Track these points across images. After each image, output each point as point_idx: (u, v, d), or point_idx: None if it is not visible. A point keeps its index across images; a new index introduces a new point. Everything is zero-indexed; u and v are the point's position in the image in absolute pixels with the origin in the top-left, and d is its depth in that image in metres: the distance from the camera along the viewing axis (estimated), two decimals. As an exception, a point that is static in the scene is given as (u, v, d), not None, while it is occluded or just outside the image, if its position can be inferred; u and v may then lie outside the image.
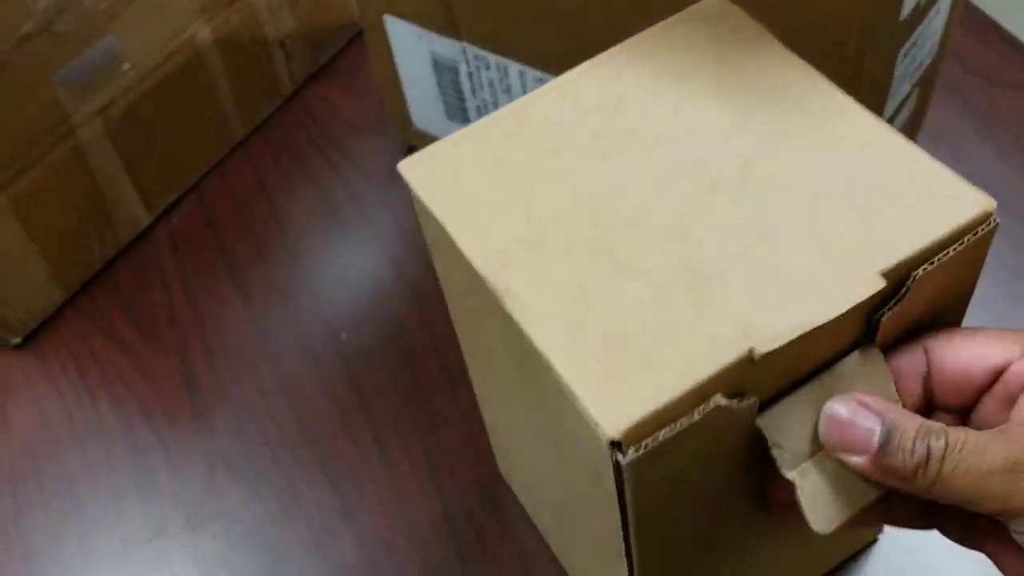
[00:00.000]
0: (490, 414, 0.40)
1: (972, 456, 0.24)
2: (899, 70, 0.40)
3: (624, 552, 0.28)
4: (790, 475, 0.26)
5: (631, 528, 0.26)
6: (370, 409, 0.50)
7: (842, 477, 0.26)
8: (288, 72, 0.63)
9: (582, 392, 0.23)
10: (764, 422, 0.25)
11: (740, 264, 0.25)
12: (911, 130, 0.48)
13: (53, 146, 0.51)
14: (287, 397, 0.50)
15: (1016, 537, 0.24)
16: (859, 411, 0.25)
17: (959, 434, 0.24)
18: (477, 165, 0.29)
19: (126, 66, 0.52)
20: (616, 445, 0.23)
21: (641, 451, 0.23)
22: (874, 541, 0.43)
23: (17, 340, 0.54)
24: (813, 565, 0.41)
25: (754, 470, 0.27)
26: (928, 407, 0.28)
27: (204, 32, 0.56)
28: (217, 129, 0.60)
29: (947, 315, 0.28)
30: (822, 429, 0.26)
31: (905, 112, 0.45)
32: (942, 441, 0.24)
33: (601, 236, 0.26)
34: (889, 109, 0.42)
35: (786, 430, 0.26)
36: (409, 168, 0.29)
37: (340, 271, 0.56)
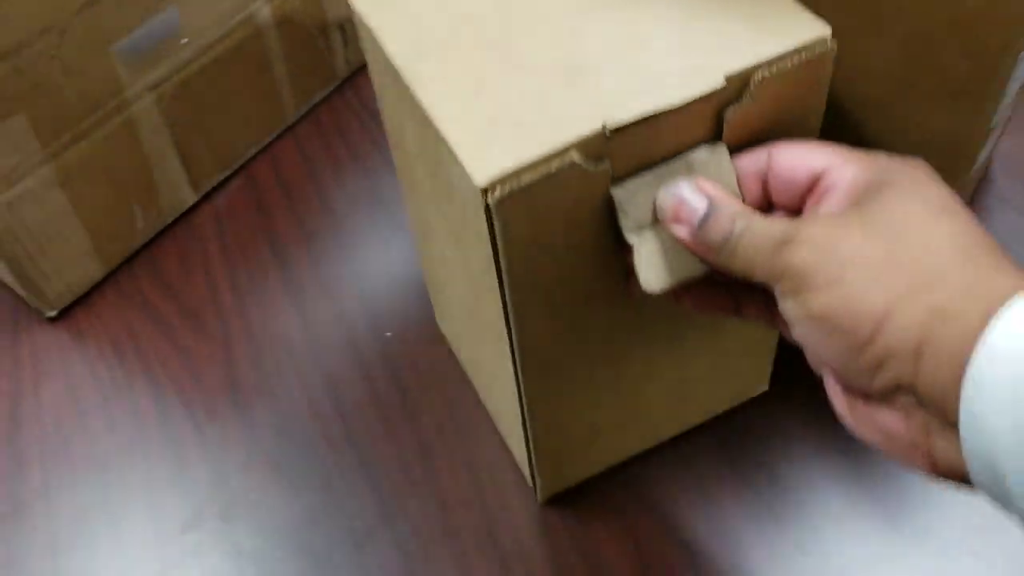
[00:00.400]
0: (424, 253, 0.45)
1: (759, 233, 0.27)
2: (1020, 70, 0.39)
3: (503, 319, 0.32)
4: (631, 239, 0.30)
5: (505, 279, 0.31)
6: (414, 411, 0.48)
7: (674, 248, 0.30)
8: (344, 57, 0.61)
9: (463, 152, 0.28)
10: (616, 191, 0.30)
11: (612, 63, 0.30)
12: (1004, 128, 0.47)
13: (106, 119, 0.49)
14: (330, 393, 0.49)
15: (779, 300, 0.27)
16: (695, 192, 0.29)
17: (758, 218, 0.28)
18: None
19: (184, 40, 0.51)
20: (485, 192, 0.28)
21: (505, 192, 0.27)
22: (765, 395, 0.46)
23: (53, 313, 0.53)
24: (694, 402, 0.44)
25: (614, 249, 0.32)
26: (768, 207, 0.31)
27: (265, 11, 0.54)
28: (269, 110, 0.58)
29: (795, 134, 0.32)
30: (660, 202, 0.30)
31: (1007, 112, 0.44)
32: (744, 222, 0.28)
33: (503, 39, 0.32)
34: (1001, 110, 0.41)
35: (633, 200, 0.30)
36: None
37: (388, 267, 0.54)
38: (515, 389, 0.36)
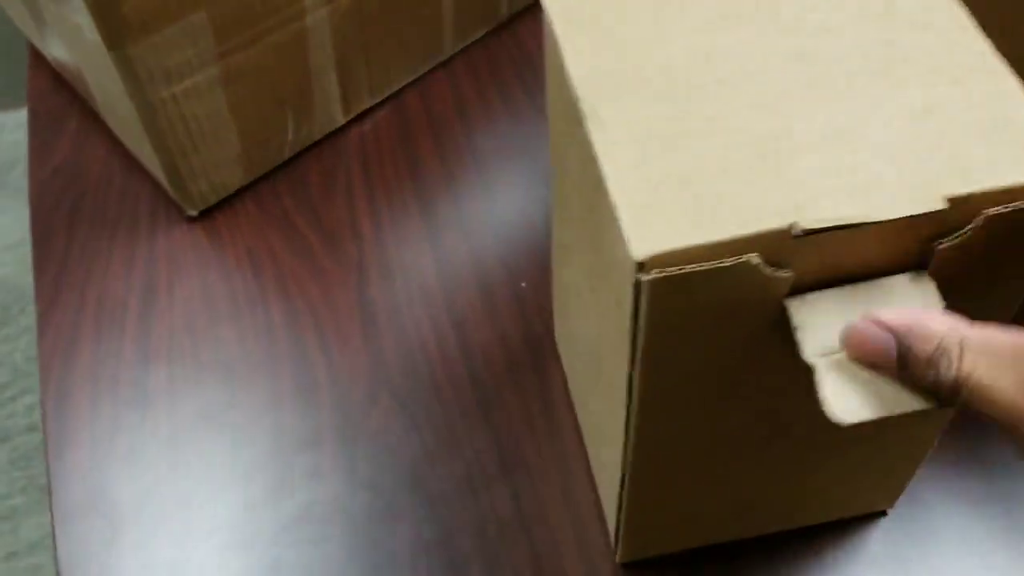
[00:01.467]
0: (556, 260, 0.42)
1: (987, 386, 0.23)
2: None
3: (627, 392, 0.29)
4: (813, 361, 0.26)
5: (638, 362, 0.27)
6: (542, 364, 0.47)
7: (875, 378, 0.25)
8: (508, 0, 0.60)
9: (625, 214, 0.25)
10: (793, 305, 0.26)
11: (818, 150, 0.26)
12: None
13: (279, 26, 0.49)
14: (459, 335, 0.48)
15: None
16: (872, 326, 0.25)
17: (968, 363, 0.23)
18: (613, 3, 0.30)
19: (366, -42, 0.50)
20: (640, 266, 0.24)
21: (663, 274, 0.24)
22: (883, 513, 0.42)
23: (194, 213, 0.53)
24: (810, 506, 0.40)
25: (776, 360, 0.27)
26: None
27: (446, -61, 0.53)
28: (429, 42, 0.57)
29: (1011, 284, 0.28)
30: (842, 335, 0.26)
31: None
32: (952, 371, 0.24)
33: (702, 90, 0.27)
34: None
35: (813, 319, 0.26)
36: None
37: (528, 218, 0.53)
38: (619, 463, 0.33)
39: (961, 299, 0.26)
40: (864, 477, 0.37)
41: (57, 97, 0.61)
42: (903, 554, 0.41)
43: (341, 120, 0.56)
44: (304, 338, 0.49)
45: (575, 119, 0.29)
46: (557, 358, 0.47)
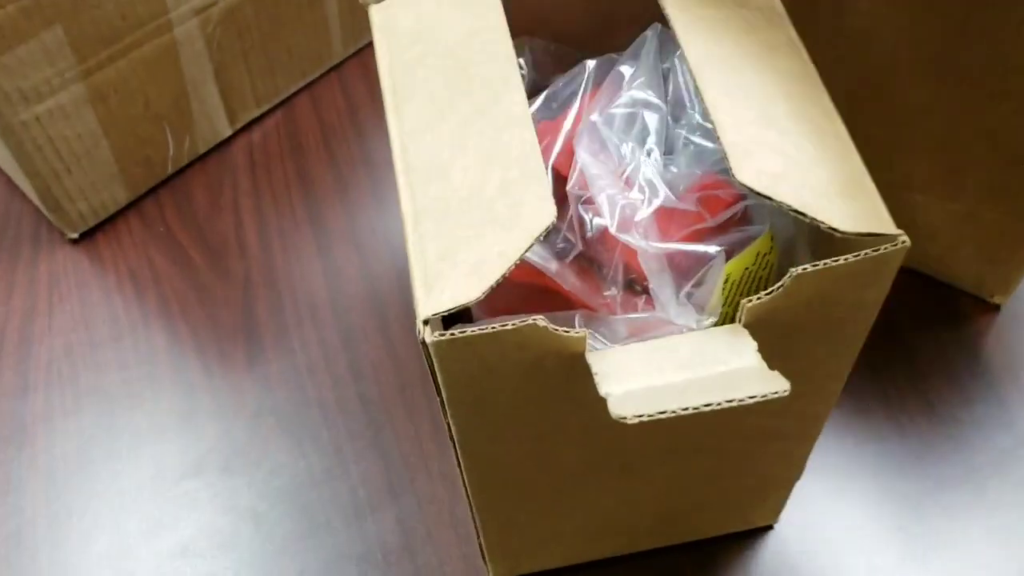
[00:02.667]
0: None
1: None
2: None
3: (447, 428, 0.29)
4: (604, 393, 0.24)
5: (447, 408, 0.27)
6: (432, 384, 0.46)
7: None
8: (400, -2, 0.58)
9: (417, 278, 0.25)
10: (593, 357, 0.25)
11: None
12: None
13: (147, 39, 0.47)
14: (349, 356, 0.47)
15: None
16: None
17: None
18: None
19: (236, -35, 0.48)
20: (426, 325, 0.24)
21: (444, 337, 0.23)
22: (769, 528, 0.41)
23: (74, 235, 0.51)
24: (681, 526, 0.40)
25: (575, 398, 0.26)
26: None
27: (323, -59, 0.51)
28: (316, 47, 0.56)
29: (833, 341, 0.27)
30: None
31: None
32: None
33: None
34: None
35: (613, 368, 0.24)
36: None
37: (422, 226, 0.52)
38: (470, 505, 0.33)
39: (781, 353, 0.25)
40: (735, 499, 0.37)
41: (-64, 115, 0.59)
42: (791, 561, 0.41)
43: (228, 131, 0.55)
44: (187, 362, 0.47)
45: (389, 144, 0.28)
46: (448, 372, 0.46)
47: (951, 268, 0.47)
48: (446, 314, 0.24)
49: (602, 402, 0.25)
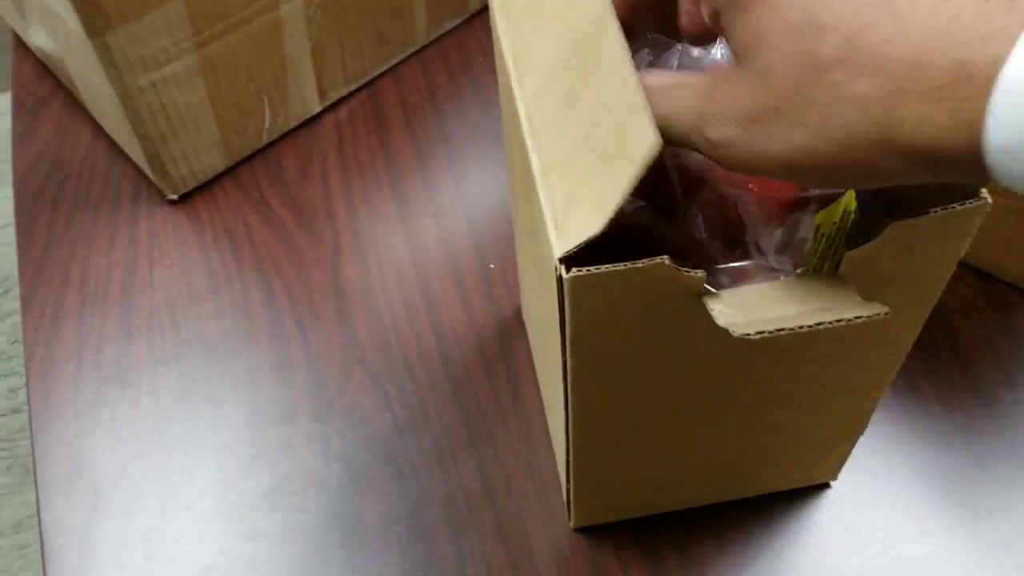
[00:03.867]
0: (517, 240, 0.43)
1: None
2: None
3: (562, 371, 0.31)
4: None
5: (567, 347, 0.29)
6: (509, 343, 0.49)
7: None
8: (481, -11, 0.62)
9: (549, 213, 0.27)
10: (710, 300, 0.27)
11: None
12: None
13: (256, 15, 0.50)
14: (431, 316, 0.50)
15: None
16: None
17: None
18: None
19: (340, -50, 0.51)
20: (562, 263, 0.26)
21: (580, 272, 0.26)
22: (827, 485, 0.44)
23: (174, 196, 0.55)
24: (752, 480, 0.42)
25: (698, 350, 0.29)
26: None
27: (418, -69, 0.55)
28: (402, 32, 0.59)
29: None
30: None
31: None
32: None
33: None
34: None
35: (731, 308, 0.27)
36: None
37: (498, 202, 0.55)
38: (564, 434, 0.36)
39: (876, 297, 0.28)
40: (802, 453, 0.40)
41: (41, 85, 0.62)
42: (847, 521, 0.44)
43: (317, 108, 0.58)
44: (280, 315, 0.51)
45: (512, 112, 0.30)
46: (523, 337, 0.50)
47: (999, 262, 0.50)
48: (575, 251, 0.26)
49: (711, 340, 0.28)
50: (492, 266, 0.52)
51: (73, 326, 0.51)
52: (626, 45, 0.27)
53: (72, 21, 0.46)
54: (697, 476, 0.40)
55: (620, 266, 0.26)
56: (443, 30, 0.62)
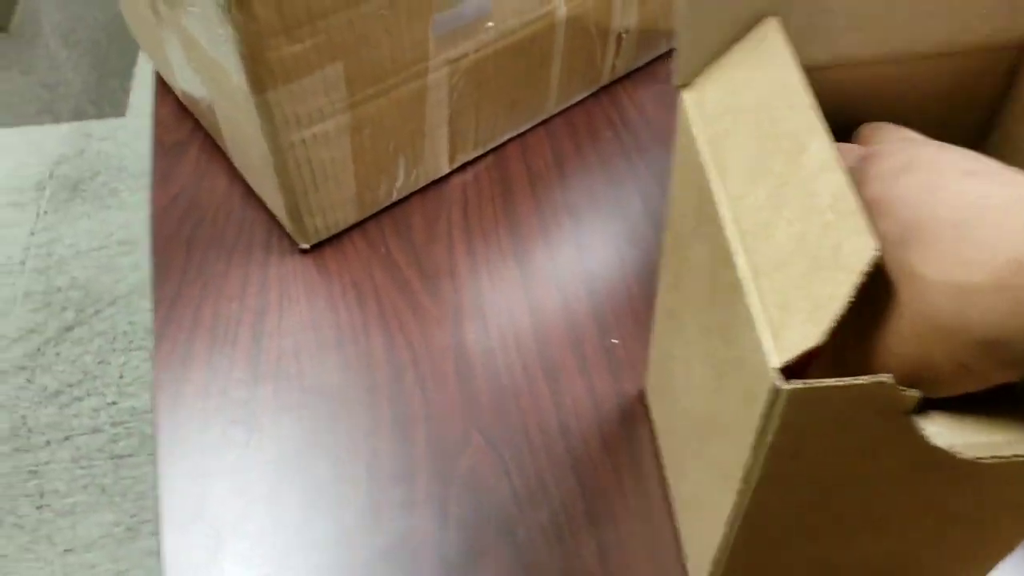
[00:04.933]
0: (660, 327, 0.44)
1: None
2: None
3: (742, 480, 0.30)
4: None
5: (756, 463, 0.29)
6: (628, 420, 0.49)
7: None
8: (611, 64, 0.63)
9: (762, 321, 0.26)
10: (921, 420, 0.26)
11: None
12: None
13: (406, 81, 0.52)
14: (550, 384, 0.51)
15: None
16: None
17: None
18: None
19: (490, 24, 0.53)
20: (779, 374, 0.25)
21: (802, 386, 0.25)
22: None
23: (306, 246, 0.56)
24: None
25: (890, 464, 0.28)
26: None
27: (563, 9, 0.56)
28: (534, 101, 0.61)
29: None
30: None
31: None
32: None
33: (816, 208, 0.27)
34: None
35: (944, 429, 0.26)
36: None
37: (621, 277, 0.55)
38: (719, 534, 0.35)
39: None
40: (958, 570, 0.39)
41: (180, 127, 0.65)
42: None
43: (446, 169, 0.60)
44: (402, 372, 0.51)
45: (708, 218, 0.30)
46: (645, 415, 0.49)
47: None
48: (793, 362, 0.25)
49: (908, 456, 0.27)
50: (614, 341, 0.52)
51: (203, 366, 0.52)
52: (835, 146, 0.27)
53: (238, 76, 0.48)
54: (845, 571, 0.39)
55: (843, 382, 0.25)
56: (572, 101, 0.63)
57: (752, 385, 0.27)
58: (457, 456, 0.48)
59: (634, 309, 0.54)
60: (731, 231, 0.29)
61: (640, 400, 0.50)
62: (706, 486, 0.37)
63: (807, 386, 0.25)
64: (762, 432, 0.28)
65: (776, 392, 0.26)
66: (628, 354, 0.52)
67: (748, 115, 0.31)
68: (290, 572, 0.45)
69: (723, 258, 0.30)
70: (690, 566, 0.43)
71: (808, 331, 0.25)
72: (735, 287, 0.29)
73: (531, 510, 0.46)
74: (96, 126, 1.64)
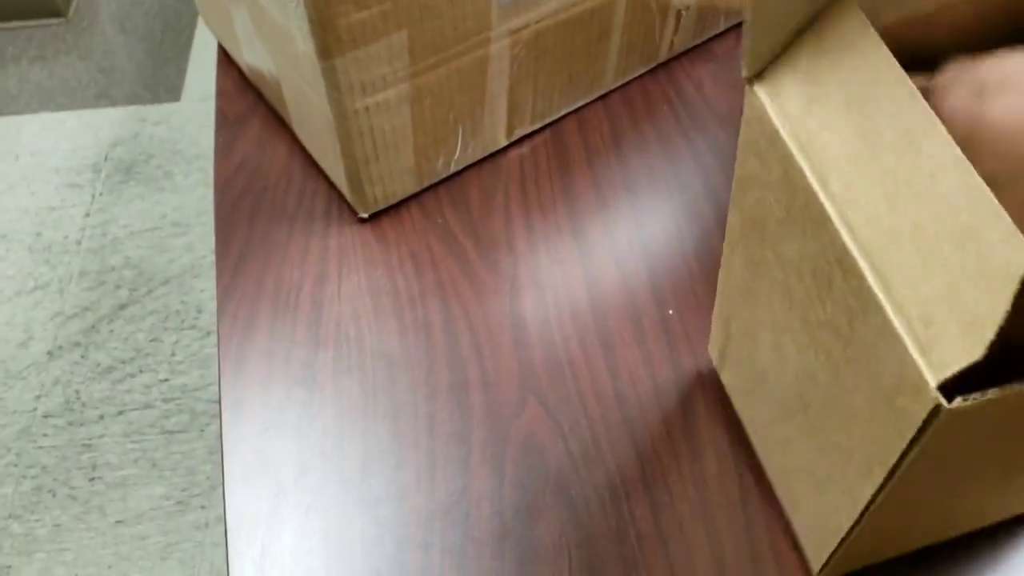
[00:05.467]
0: (732, 302, 0.42)
1: None
2: None
3: (885, 472, 0.29)
4: None
5: (898, 472, 0.27)
6: (685, 390, 0.49)
7: None
8: (670, 42, 0.63)
9: (907, 329, 0.25)
10: None
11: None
12: None
13: (467, 51, 0.53)
14: (606, 355, 0.51)
15: None
16: None
17: None
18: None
19: (552, -5, 0.54)
20: (940, 391, 0.24)
21: (966, 402, 0.24)
22: None
23: (365, 215, 0.57)
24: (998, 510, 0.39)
25: None
26: None
27: (624, -18, 0.56)
28: (592, 76, 0.61)
29: None
30: None
31: None
32: None
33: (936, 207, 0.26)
34: None
35: None
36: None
37: (679, 253, 0.55)
38: (840, 512, 0.34)
39: None
40: None
41: (242, 100, 0.67)
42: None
43: (503, 142, 0.60)
44: (459, 338, 0.52)
45: (807, 217, 0.29)
46: (702, 385, 0.50)
47: None
48: (950, 379, 0.24)
49: None
50: (671, 312, 0.52)
51: (265, 330, 0.53)
52: (951, 141, 0.25)
53: (305, 43, 0.49)
54: (957, 518, 0.38)
55: (1005, 392, 0.24)
56: (630, 76, 0.63)
57: (898, 396, 0.26)
58: (513, 420, 0.49)
59: (694, 285, 0.54)
60: (849, 238, 0.28)
61: (696, 369, 0.50)
62: (825, 467, 0.36)
63: (972, 402, 0.24)
64: (915, 441, 0.27)
65: (937, 409, 0.25)
66: (684, 324, 0.52)
67: (839, 106, 0.29)
68: (348, 524, 0.46)
69: (838, 259, 0.28)
70: (799, 527, 0.43)
71: (967, 346, 0.24)
72: (862, 294, 0.27)
73: (587, 472, 0.47)
74: (151, 110, 1.68)
